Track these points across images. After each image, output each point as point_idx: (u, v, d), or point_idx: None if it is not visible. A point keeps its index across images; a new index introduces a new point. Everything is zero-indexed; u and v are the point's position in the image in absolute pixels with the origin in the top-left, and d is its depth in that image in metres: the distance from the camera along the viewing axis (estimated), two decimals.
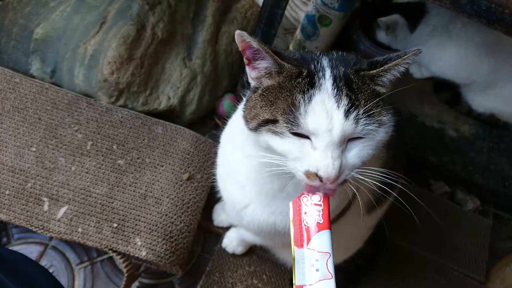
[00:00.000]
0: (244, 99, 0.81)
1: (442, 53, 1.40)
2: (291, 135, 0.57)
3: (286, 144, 0.57)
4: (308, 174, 0.56)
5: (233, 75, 1.42)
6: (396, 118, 0.61)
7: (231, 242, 1.20)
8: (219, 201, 1.23)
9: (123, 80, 1.18)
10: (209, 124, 1.40)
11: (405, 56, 0.58)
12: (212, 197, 1.21)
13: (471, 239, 1.39)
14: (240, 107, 0.82)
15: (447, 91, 1.53)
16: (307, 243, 0.56)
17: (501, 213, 1.49)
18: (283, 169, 0.59)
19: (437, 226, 1.26)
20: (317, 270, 0.54)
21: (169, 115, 1.29)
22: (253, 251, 1.23)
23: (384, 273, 1.26)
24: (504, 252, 1.41)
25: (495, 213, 1.49)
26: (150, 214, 1.10)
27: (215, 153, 0.89)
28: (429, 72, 1.50)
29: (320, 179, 0.56)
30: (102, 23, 1.20)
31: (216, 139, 1.25)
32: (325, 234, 0.57)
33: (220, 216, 1.24)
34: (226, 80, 1.40)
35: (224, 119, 1.38)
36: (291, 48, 1.46)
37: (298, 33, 1.41)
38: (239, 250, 1.20)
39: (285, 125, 0.56)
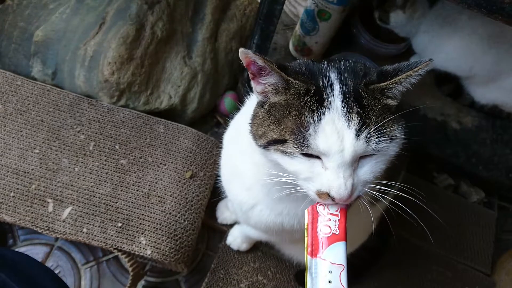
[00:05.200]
0: (247, 100, 0.80)
1: (445, 45, 1.39)
2: (300, 156, 0.56)
3: (296, 164, 0.56)
4: (320, 194, 0.56)
5: (234, 72, 1.41)
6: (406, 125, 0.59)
7: (235, 239, 1.20)
8: (223, 198, 1.23)
9: (123, 80, 1.19)
10: (211, 122, 1.41)
11: (417, 68, 0.56)
12: (215, 195, 1.21)
13: (476, 232, 1.39)
14: (244, 109, 0.81)
15: (448, 83, 1.51)
16: (321, 253, 0.55)
17: (506, 205, 1.48)
18: (295, 188, 0.58)
19: (441, 218, 1.25)
20: (330, 281, 0.54)
21: (171, 114, 1.29)
22: (257, 248, 1.23)
23: (388, 267, 1.26)
24: (509, 244, 1.41)
25: (500, 205, 1.48)
26: (154, 213, 1.11)
27: (218, 152, 0.89)
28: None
29: (332, 198, 0.55)
30: (101, 24, 1.20)
31: (218, 137, 1.26)
32: (340, 246, 0.56)
33: (224, 214, 1.25)
34: (227, 78, 1.40)
35: (226, 116, 1.39)
36: (290, 43, 1.46)
37: (297, 29, 1.40)
38: (243, 247, 1.21)
39: (294, 146, 0.55)
